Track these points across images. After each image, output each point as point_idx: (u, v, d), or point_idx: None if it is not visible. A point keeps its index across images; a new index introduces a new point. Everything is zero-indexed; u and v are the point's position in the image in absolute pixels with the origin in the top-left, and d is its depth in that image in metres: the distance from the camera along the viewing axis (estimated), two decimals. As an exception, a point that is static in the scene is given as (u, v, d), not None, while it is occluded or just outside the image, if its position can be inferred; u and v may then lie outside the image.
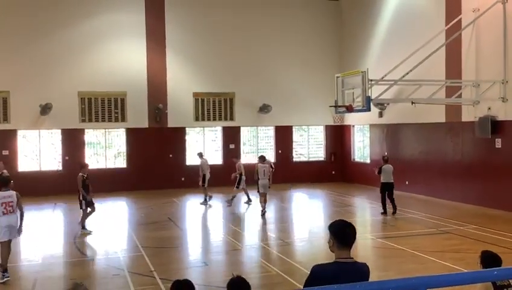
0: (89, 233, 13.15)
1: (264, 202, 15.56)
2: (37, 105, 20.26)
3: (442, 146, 18.14)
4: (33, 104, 20.21)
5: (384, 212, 15.35)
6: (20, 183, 19.96)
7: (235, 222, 15.09)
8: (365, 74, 14.37)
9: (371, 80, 14.46)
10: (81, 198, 13.37)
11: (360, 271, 3.82)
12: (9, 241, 9.46)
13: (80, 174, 13.60)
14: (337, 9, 24.76)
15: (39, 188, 19.66)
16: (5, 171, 14.38)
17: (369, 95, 14.33)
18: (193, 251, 11.82)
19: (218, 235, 13.38)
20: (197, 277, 9.12)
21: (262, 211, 15.45)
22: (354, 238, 3.89)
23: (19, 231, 9.52)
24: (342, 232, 3.85)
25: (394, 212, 15.18)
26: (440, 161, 18.18)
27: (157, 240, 12.43)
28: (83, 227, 13.35)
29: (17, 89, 20.32)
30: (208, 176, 18.12)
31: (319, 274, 3.75)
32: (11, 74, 20.21)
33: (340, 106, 15.28)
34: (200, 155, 18.82)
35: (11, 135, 20.47)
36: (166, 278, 8.82)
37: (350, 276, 3.60)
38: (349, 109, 14.94)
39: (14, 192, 9.48)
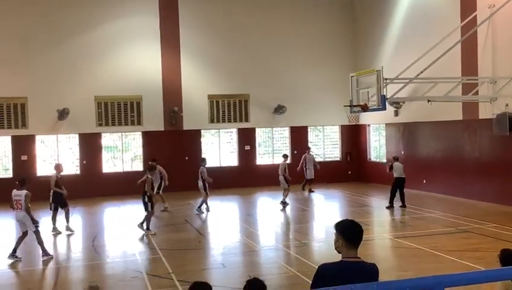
0: (154, 234, 13.26)
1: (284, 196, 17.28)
2: (54, 110, 20.55)
3: (459, 144, 17.94)
4: (51, 109, 20.50)
5: (391, 206, 16.04)
6: (38, 188, 20.34)
7: (250, 224, 15.10)
8: (380, 73, 14.28)
9: (386, 79, 14.36)
10: (146, 200, 13.70)
11: (368, 271, 3.78)
12: (23, 233, 11.01)
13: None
14: (350, 8, 24.66)
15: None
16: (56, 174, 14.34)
17: (384, 93, 14.24)
18: (210, 252, 11.86)
19: (234, 236, 13.41)
20: (215, 279, 9.16)
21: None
22: (361, 237, 3.86)
23: (33, 223, 10.87)
24: (348, 232, 3.83)
25: (403, 206, 15.94)
26: (457, 159, 17.99)
27: (175, 242, 12.50)
28: (148, 228, 13.50)
29: (34, 95, 20.63)
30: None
31: (323, 273, 3.75)
32: (29, 80, 20.52)
33: (355, 106, 15.21)
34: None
35: (29, 140, 20.78)
36: (184, 280, 8.87)
37: (357, 275, 3.57)
38: (364, 108, 14.86)
39: (25, 192, 10.78)
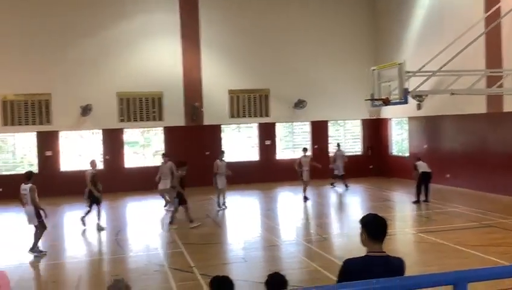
0: (175, 228, 13.42)
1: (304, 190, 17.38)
2: (77, 106, 20.86)
3: (483, 137, 17.64)
4: (74, 105, 20.83)
5: (417, 201, 15.89)
6: (62, 183, 20.74)
7: (271, 218, 15.13)
8: (402, 66, 14.06)
9: (408, 72, 14.16)
10: (174, 195, 14.32)
11: (393, 265, 3.76)
12: (36, 227, 11.06)
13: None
14: (371, 0, 24.41)
15: (81, 187, 20.18)
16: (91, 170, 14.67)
17: (407, 87, 14.05)
18: (232, 247, 11.93)
19: (255, 231, 13.45)
20: (236, 273, 9.20)
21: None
22: (386, 231, 3.85)
23: (37, 217, 10.96)
24: (372, 226, 3.84)
25: (427, 201, 15.84)
26: (481, 153, 17.69)
27: (197, 236, 12.60)
28: (171, 222, 13.80)
29: (58, 91, 20.97)
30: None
31: (349, 267, 3.75)
32: (52, 76, 20.86)
33: (376, 99, 15.03)
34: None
35: (53, 136, 21.15)
36: (206, 274, 8.94)
37: (382, 270, 3.56)
38: (386, 102, 14.67)
39: (30, 185, 10.91)
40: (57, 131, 21.25)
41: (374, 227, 3.83)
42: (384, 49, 23.37)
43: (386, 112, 23.14)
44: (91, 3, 21.32)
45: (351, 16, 24.15)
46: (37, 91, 20.86)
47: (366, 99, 16.49)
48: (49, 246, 11.78)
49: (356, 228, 4.02)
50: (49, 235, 13.40)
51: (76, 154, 21.65)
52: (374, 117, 24.08)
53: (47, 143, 21.07)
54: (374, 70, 15.40)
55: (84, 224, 13.92)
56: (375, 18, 24.28)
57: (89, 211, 14.01)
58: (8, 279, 4.33)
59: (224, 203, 16.57)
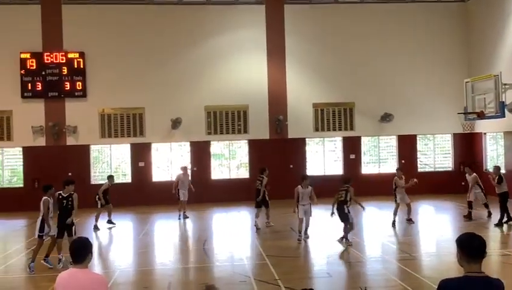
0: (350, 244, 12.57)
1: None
2: (168, 120, 21.84)
3: None
4: (165, 119, 21.83)
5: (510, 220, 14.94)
6: (154, 192, 21.80)
7: (355, 233, 14.82)
8: (498, 78, 13.40)
9: (505, 84, 13.42)
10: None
11: (492, 286, 3.62)
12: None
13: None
14: (462, 10, 23.41)
15: (171, 196, 21.03)
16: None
17: (503, 100, 13.30)
18: (316, 261, 11.84)
19: (339, 245, 13.24)
20: (321, 288, 9.12)
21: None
22: (483, 251, 3.69)
23: (39, 231, 11.11)
24: (469, 245, 3.69)
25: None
26: None
27: (280, 249, 12.64)
28: (346, 238, 12.80)
29: (151, 105, 22.13)
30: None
31: (445, 288, 3.64)
32: (146, 92, 22.06)
33: (470, 113, 14.38)
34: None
35: (146, 148, 22.28)
36: (291, 287, 8.94)
37: None
38: (481, 116, 14.00)
39: (44, 198, 11.09)
40: (150, 143, 22.36)
41: (469, 247, 3.70)
42: (477, 61, 22.24)
43: (480, 126, 21.93)
44: (181, 24, 22.34)
45: (441, 26, 23.29)
46: (132, 105, 22.14)
47: (459, 113, 15.82)
48: (139, 253, 12.36)
49: (447, 248, 3.87)
50: (140, 242, 14.09)
51: (165, 166, 22.65)
52: (468, 131, 22.89)
53: (140, 154, 22.24)
54: (467, 82, 14.76)
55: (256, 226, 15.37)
56: (468, 28, 23.22)
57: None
58: (107, 284, 4.62)
59: (306, 232, 13.85)
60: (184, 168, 18.77)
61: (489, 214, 16.29)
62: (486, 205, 16.36)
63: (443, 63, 23.15)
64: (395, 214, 15.74)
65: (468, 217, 16.00)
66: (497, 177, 15.22)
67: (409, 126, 22.94)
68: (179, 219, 17.72)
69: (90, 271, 4.61)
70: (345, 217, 12.76)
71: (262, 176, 15.83)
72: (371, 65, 22.88)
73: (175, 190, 18.03)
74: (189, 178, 18.83)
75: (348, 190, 12.84)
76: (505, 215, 14.99)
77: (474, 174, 16.22)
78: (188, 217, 17.96)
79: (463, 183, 22.71)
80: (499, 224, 14.89)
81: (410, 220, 15.89)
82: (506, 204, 14.97)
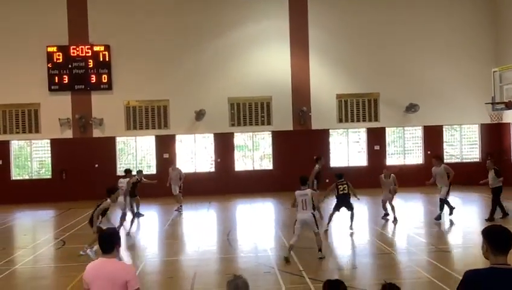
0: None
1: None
2: (192, 111, 21.98)
3: None
4: (189, 110, 21.98)
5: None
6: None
7: (381, 225, 14.73)
8: (528, 67, 13.06)
9: (535, 73, 13.10)
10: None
11: None
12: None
13: None
14: (491, -2, 22.87)
15: (195, 188, 21.24)
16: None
17: (533, 89, 12.99)
18: (340, 252, 11.81)
19: (364, 237, 13.18)
20: (346, 279, 9.05)
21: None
22: (510, 243, 3.63)
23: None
24: (496, 237, 3.65)
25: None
26: None
27: (304, 240, 12.62)
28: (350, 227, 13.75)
29: (175, 97, 22.29)
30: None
31: (470, 279, 3.60)
32: (170, 84, 22.24)
33: (498, 103, 14.09)
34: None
35: (170, 139, 22.49)
36: (315, 279, 8.95)
37: (508, 283, 3.41)
38: (509, 106, 13.70)
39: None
40: (174, 135, 22.55)
41: (495, 238, 3.65)
42: (506, 50, 21.73)
43: (508, 116, 21.47)
44: (204, 17, 22.39)
45: (467, 14, 22.81)
46: (157, 98, 22.34)
47: (486, 103, 15.50)
48: (164, 244, 12.52)
49: (474, 240, 3.83)
50: (166, 233, 14.28)
51: (189, 157, 22.83)
52: (495, 121, 22.43)
53: (164, 146, 22.45)
54: (495, 72, 14.46)
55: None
56: (496, 16, 22.68)
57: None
58: (135, 273, 4.70)
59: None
60: (172, 166, 18.52)
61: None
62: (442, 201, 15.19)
63: (470, 52, 22.68)
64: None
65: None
66: (493, 171, 14.55)
67: (434, 116, 22.59)
68: (176, 211, 17.67)
69: (118, 261, 4.70)
70: (351, 206, 14.02)
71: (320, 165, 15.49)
72: (395, 55, 22.58)
73: (169, 184, 17.99)
74: (181, 173, 18.10)
75: (348, 184, 14.07)
76: (501, 210, 14.50)
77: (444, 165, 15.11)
78: (177, 211, 17.60)
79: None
80: (491, 219, 14.21)
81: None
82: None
